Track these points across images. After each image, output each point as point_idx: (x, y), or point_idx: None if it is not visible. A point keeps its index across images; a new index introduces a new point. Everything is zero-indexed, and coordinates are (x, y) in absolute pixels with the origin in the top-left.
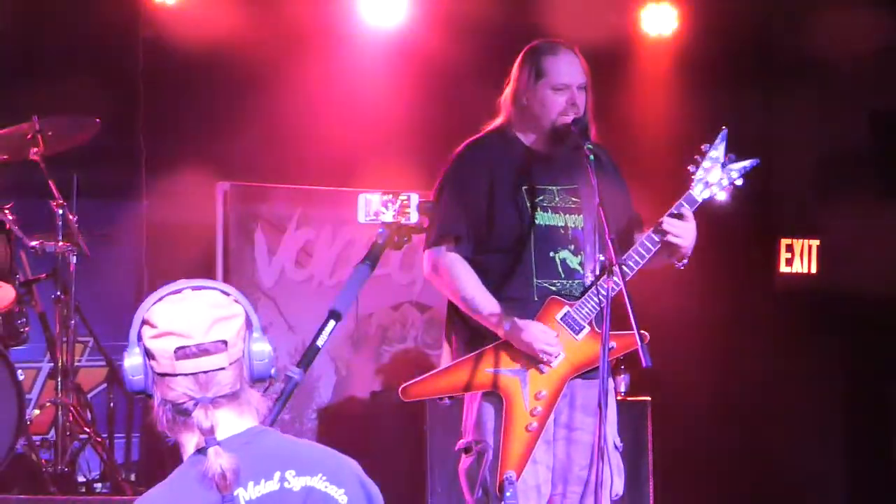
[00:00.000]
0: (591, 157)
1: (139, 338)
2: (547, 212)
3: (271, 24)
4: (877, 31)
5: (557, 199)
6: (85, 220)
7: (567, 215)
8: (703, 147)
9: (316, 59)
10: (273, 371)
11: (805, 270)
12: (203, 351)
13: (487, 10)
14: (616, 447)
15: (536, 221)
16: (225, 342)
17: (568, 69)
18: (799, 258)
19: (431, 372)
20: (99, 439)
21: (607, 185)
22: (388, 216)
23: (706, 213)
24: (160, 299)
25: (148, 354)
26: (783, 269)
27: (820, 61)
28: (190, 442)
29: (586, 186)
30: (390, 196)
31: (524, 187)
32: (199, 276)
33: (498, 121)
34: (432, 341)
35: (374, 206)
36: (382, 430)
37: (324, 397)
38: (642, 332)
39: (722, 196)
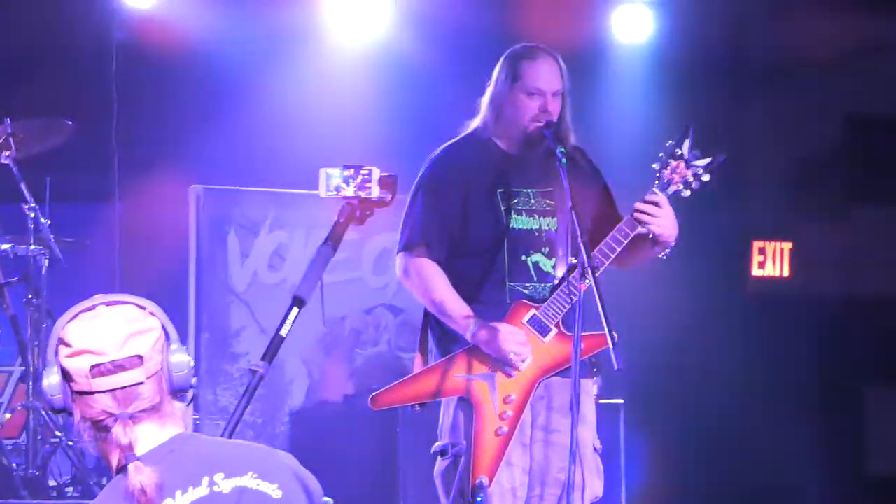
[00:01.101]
0: (563, 160)
1: (56, 357)
2: (521, 215)
3: (246, 27)
4: (850, 34)
5: (533, 201)
6: (57, 223)
7: (542, 218)
8: (667, 144)
9: (291, 63)
10: (193, 381)
11: (777, 273)
12: (118, 367)
13: (463, 14)
14: (595, 450)
15: (511, 225)
16: (140, 357)
17: (543, 75)
18: (771, 261)
19: (399, 380)
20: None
21: (582, 189)
22: (349, 191)
23: (677, 215)
24: (74, 317)
25: (64, 374)
26: (756, 271)
27: (793, 64)
28: (114, 457)
29: (561, 190)
30: (351, 170)
31: (499, 191)
32: (172, 280)
33: (475, 124)
34: (406, 345)
35: (335, 181)
36: (355, 434)
37: (296, 401)
38: (612, 333)
39: (687, 192)
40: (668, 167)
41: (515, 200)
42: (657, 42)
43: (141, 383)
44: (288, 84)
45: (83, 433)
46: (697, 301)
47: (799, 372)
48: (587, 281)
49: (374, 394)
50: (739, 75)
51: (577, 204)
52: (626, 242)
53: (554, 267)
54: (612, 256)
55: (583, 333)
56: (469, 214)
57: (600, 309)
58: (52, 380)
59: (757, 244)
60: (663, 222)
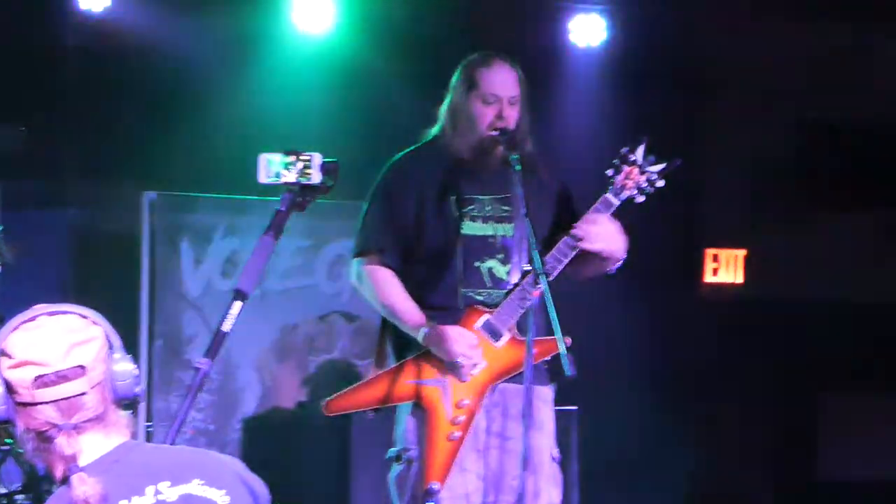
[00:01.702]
0: (517, 167)
1: None
2: (476, 221)
3: (200, 32)
4: (806, 40)
5: (488, 208)
6: (9, 229)
7: (497, 224)
8: (621, 150)
9: (245, 67)
10: (137, 389)
11: (732, 280)
12: (62, 377)
13: (417, 19)
14: (553, 458)
15: (463, 231)
16: (83, 367)
17: (499, 81)
18: (726, 268)
19: (353, 386)
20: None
21: (538, 195)
22: (290, 177)
23: (633, 222)
24: (15, 328)
25: (7, 385)
26: (709, 278)
27: (750, 70)
28: (58, 468)
29: (517, 196)
30: (293, 156)
31: (453, 197)
32: (124, 287)
33: (434, 131)
34: (360, 351)
35: (276, 167)
36: (308, 441)
37: (249, 408)
38: (564, 338)
39: (641, 198)
40: (622, 173)
41: (470, 207)
42: (612, 48)
43: (84, 393)
44: (242, 89)
45: (26, 444)
46: (651, 307)
47: (753, 378)
48: (540, 287)
49: (328, 399)
50: (695, 82)
51: (532, 210)
52: (567, 259)
53: (509, 273)
54: (560, 267)
55: (535, 339)
56: (423, 221)
57: (552, 315)
58: None
59: (711, 251)
60: (603, 239)
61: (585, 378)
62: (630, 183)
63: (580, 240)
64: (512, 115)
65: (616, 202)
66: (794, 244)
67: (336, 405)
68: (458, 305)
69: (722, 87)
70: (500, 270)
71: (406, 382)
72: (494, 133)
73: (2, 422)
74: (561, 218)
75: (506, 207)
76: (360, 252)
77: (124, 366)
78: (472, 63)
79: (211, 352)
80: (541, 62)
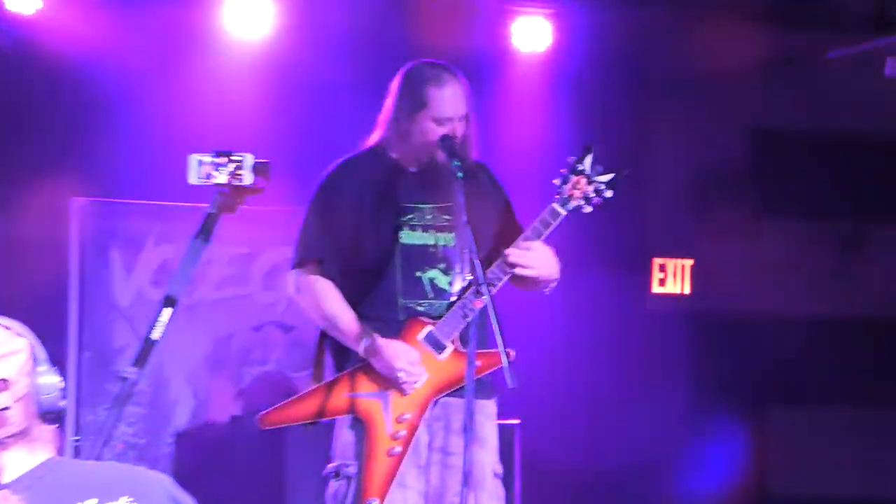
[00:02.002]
0: (459, 175)
1: None
2: (416, 230)
3: (134, 34)
4: (756, 46)
5: (429, 217)
6: None
7: (438, 234)
8: (568, 159)
9: (179, 71)
10: (62, 404)
11: (678, 290)
12: None
13: (355, 21)
14: (496, 474)
15: (403, 241)
16: (6, 380)
17: (451, 103)
18: (672, 278)
19: (290, 398)
20: None
21: (481, 205)
22: (221, 178)
23: (576, 232)
24: None
25: None
26: (656, 289)
27: (698, 77)
28: None
29: (458, 205)
30: (223, 157)
31: (393, 206)
32: (53, 296)
33: (374, 138)
34: (296, 364)
35: (206, 168)
36: (243, 456)
37: (181, 422)
38: (507, 350)
39: (588, 208)
40: (569, 182)
41: (410, 216)
42: (557, 53)
43: (7, 408)
44: (177, 92)
45: None
46: (596, 318)
47: (700, 390)
48: (483, 298)
49: (263, 413)
50: (642, 88)
51: (475, 220)
52: (501, 282)
53: (451, 283)
54: (499, 284)
55: (478, 351)
56: (362, 230)
57: (495, 327)
58: None
59: (657, 261)
60: (538, 265)
61: (528, 391)
62: (577, 193)
63: (513, 266)
64: (461, 130)
65: (563, 212)
66: (742, 254)
67: (272, 418)
68: (398, 317)
69: (669, 94)
70: (442, 280)
71: (344, 396)
72: (436, 142)
73: None
74: (504, 229)
75: (447, 216)
76: (299, 262)
77: (49, 379)
78: (421, 79)
79: (139, 361)
80: (484, 67)
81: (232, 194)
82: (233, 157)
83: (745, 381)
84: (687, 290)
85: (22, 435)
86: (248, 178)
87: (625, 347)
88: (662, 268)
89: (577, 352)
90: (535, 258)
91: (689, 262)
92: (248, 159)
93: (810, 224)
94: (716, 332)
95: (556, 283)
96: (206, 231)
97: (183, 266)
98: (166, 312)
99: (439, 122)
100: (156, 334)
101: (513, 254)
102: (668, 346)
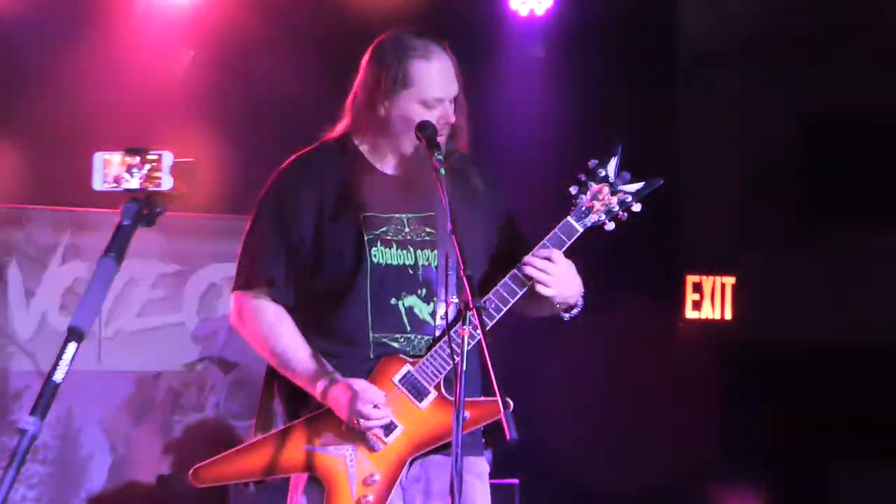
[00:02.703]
0: (442, 170)
1: None
2: (391, 247)
3: (38, 11)
4: (809, 13)
5: (407, 229)
6: None
7: (418, 251)
8: (589, 163)
9: (93, 42)
10: None
11: (717, 316)
12: None
13: None
14: None
15: (374, 259)
16: None
17: (441, 80)
18: (710, 300)
19: (231, 450)
20: None
21: (472, 209)
22: (133, 182)
23: (592, 243)
24: None
25: None
26: (690, 313)
27: (739, 51)
28: None
29: (443, 212)
30: (136, 157)
31: (363, 215)
32: None
33: (339, 128)
34: (240, 410)
35: (115, 170)
36: None
37: (96, 482)
38: (506, 398)
39: (611, 225)
40: (589, 191)
41: (384, 228)
42: (561, 18)
43: None
44: (88, 70)
45: None
46: (617, 351)
47: (745, 441)
48: (471, 328)
49: (197, 466)
50: (670, 59)
51: (464, 228)
52: (510, 304)
53: (433, 313)
54: (501, 313)
55: (470, 399)
56: (323, 245)
57: (489, 366)
58: None
59: (691, 279)
60: (558, 282)
61: (530, 443)
62: (598, 205)
63: (530, 281)
64: (454, 116)
65: (580, 229)
66: (795, 269)
67: (208, 474)
68: (368, 354)
69: (702, 70)
70: (423, 310)
71: (300, 449)
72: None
73: None
74: (501, 240)
75: (429, 229)
76: (243, 283)
77: None
78: (405, 51)
79: (39, 409)
80: (474, 36)
81: (148, 202)
82: (148, 156)
83: (803, 428)
84: (728, 315)
85: None
86: (166, 181)
87: (650, 387)
88: (697, 287)
89: (591, 393)
90: (556, 273)
91: (730, 280)
92: (167, 158)
93: (882, 229)
94: (764, 369)
95: (578, 310)
96: (117, 247)
97: (90, 291)
98: (71, 348)
99: (427, 104)
100: (59, 375)
101: (530, 263)
102: (702, 385)
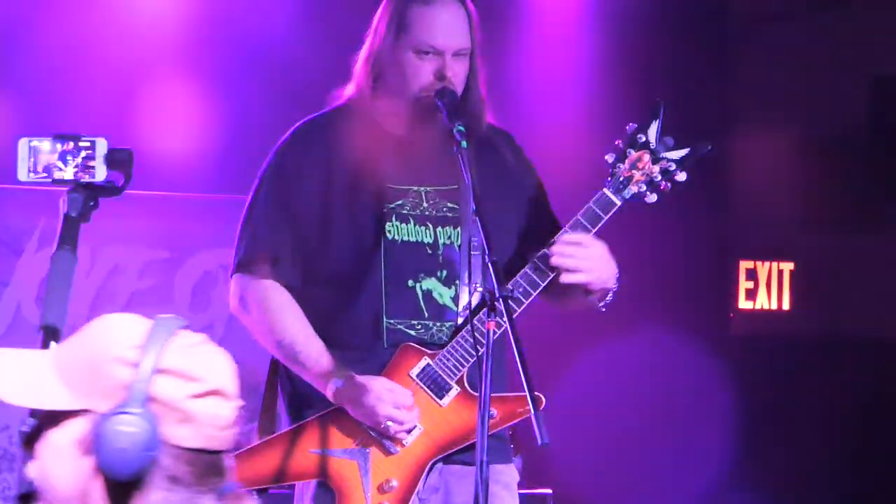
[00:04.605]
0: (463, 143)
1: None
2: (407, 222)
3: None
4: None
5: (425, 204)
6: None
7: (438, 228)
8: (627, 127)
9: (68, 18)
10: None
11: (773, 306)
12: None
13: None
14: None
15: (389, 235)
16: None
17: (441, 25)
18: (765, 288)
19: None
20: None
21: (499, 187)
22: (67, 172)
23: (632, 225)
24: (167, 341)
25: (185, 419)
26: (743, 303)
27: (799, 8)
28: None
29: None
30: (70, 143)
31: (376, 187)
32: None
33: (347, 92)
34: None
35: (46, 158)
36: None
37: None
38: (536, 394)
39: (653, 197)
40: (627, 160)
41: (400, 202)
42: None
43: None
44: (66, 45)
45: None
46: (660, 347)
47: (809, 446)
48: (498, 318)
49: None
50: (723, 19)
51: (490, 208)
52: (534, 294)
53: (455, 298)
54: (526, 303)
55: (494, 395)
56: (332, 220)
57: (518, 360)
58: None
59: (745, 264)
60: (588, 267)
61: (564, 449)
62: (638, 174)
63: (554, 269)
64: (459, 73)
65: (618, 202)
66: (860, 254)
67: None
68: (382, 343)
69: (763, 28)
70: (444, 294)
71: (308, 453)
72: (431, 96)
73: (128, 473)
74: (534, 223)
75: (451, 204)
76: (245, 263)
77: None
78: None
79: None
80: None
81: (83, 195)
82: (80, 143)
83: (874, 429)
84: (786, 306)
85: None
86: (100, 172)
87: (699, 385)
88: (752, 274)
89: (633, 393)
90: (587, 258)
91: (788, 266)
92: (101, 146)
93: None
94: (828, 364)
95: (612, 296)
96: (70, 240)
97: (53, 288)
98: (52, 347)
99: (422, 51)
100: None
101: (557, 251)
102: (759, 381)
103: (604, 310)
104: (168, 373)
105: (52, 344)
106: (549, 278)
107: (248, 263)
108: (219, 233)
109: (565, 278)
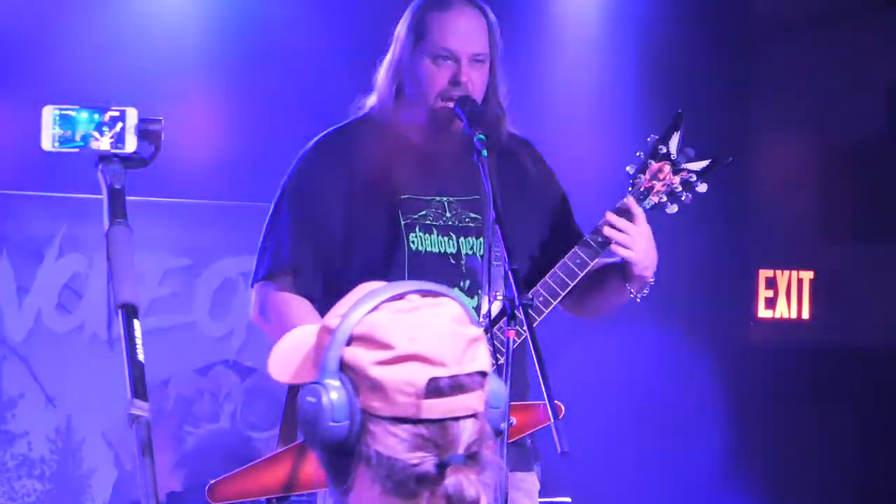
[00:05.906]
0: (484, 152)
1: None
2: (431, 233)
3: None
4: None
5: (448, 214)
6: None
7: (462, 238)
8: (648, 139)
9: (86, 22)
10: (503, 425)
11: (793, 315)
12: (458, 387)
13: None
14: None
15: (413, 246)
16: (485, 374)
17: (456, 30)
18: (785, 297)
19: (250, 464)
20: None
21: (522, 198)
22: (103, 143)
23: (652, 234)
24: (376, 308)
25: (371, 389)
26: (762, 312)
27: (820, 17)
28: None
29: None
30: (106, 114)
31: (400, 197)
32: None
33: (370, 103)
34: (259, 419)
35: (83, 128)
36: None
37: (98, 500)
38: (556, 402)
39: (673, 208)
40: (648, 170)
41: (423, 212)
42: None
43: (474, 415)
44: (85, 54)
45: (372, 488)
46: (678, 355)
47: (831, 455)
48: (518, 327)
49: (213, 483)
50: (745, 28)
51: (511, 217)
52: (582, 273)
53: (477, 308)
54: (562, 295)
55: (514, 403)
56: (355, 231)
57: (538, 368)
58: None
59: (764, 273)
60: (640, 244)
61: (585, 457)
62: (659, 185)
63: (607, 244)
64: (476, 80)
65: (638, 211)
66: (882, 263)
67: (225, 491)
68: None
69: (785, 36)
70: (466, 304)
71: None
72: (449, 104)
73: (332, 445)
74: (556, 233)
75: (474, 214)
76: (266, 274)
77: (498, 386)
78: (423, 4)
79: (139, 391)
80: (525, 5)
81: (122, 166)
82: (109, 113)
83: (887, 444)
84: (805, 315)
85: (474, 459)
86: (130, 143)
87: (719, 394)
88: (771, 283)
89: (652, 402)
90: (639, 233)
91: (808, 275)
92: (132, 116)
93: None
94: (850, 374)
95: (649, 287)
96: (122, 212)
97: (118, 263)
98: (136, 325)
99: (438, 57)
100: (141, 355)
101: (612, 221)
102: (779, 391)
103: (638, 299)
104: (357, 340)
105: (135, 322)
106: (589, 265)
107: (269, 274)
108: (239, 240)
109: (616, 250)
